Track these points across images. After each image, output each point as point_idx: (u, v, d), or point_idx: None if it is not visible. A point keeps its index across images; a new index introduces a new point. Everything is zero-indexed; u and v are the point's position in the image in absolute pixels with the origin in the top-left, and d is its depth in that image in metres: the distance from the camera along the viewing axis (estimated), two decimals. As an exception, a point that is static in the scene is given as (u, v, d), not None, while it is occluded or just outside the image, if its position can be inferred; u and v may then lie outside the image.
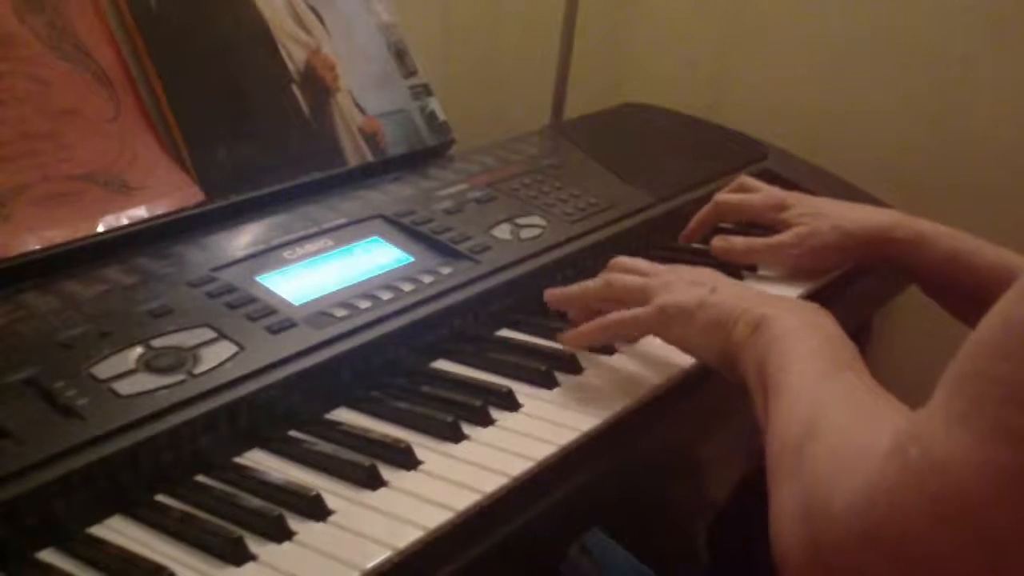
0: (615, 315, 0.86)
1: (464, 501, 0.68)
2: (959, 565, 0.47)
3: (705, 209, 1.12)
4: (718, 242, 1.07)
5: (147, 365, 0.74)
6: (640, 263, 0.91)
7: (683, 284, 0.84)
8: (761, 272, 1.08)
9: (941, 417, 0.48)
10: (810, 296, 1.05)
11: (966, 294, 0.94)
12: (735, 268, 1.06)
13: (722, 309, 0.80)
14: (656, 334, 0.86)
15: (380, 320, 0.85)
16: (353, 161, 1.11)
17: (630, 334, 0.87)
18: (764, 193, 1.11)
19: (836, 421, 0.59)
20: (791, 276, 1.06)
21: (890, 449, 0.50)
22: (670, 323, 0.83)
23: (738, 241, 1.07)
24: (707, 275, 0.87)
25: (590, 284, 0.91)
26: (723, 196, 1.12)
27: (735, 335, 0.77)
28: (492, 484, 0.70)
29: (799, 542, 0.54)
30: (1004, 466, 0.45)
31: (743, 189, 1.13)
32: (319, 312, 0.84)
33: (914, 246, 1.00)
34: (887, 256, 1.03)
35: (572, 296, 0.91)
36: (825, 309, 0.78)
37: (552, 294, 0.92)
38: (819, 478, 0.54)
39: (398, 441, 0.74)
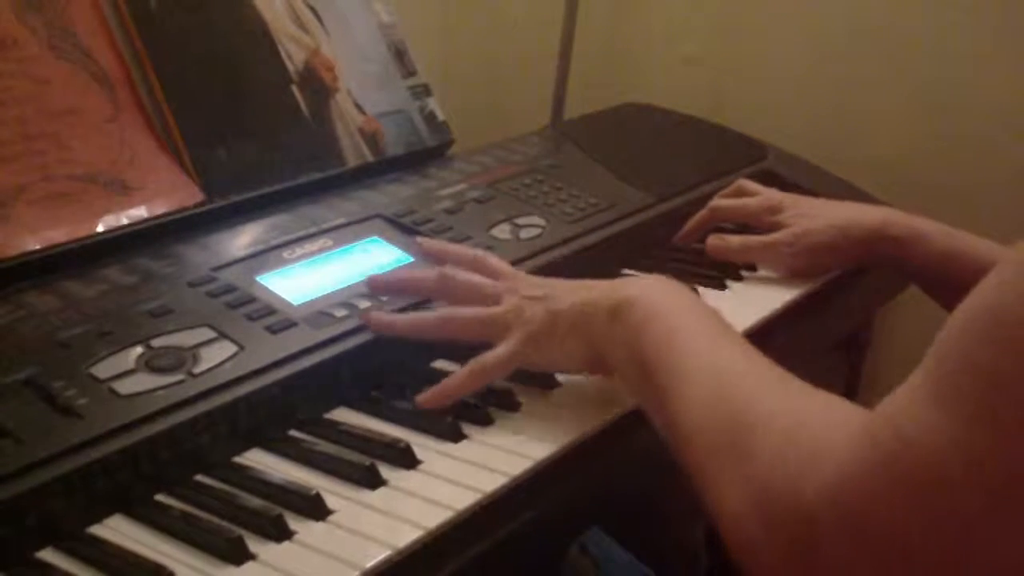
0: (481, 361, 0.79)
1: (464, 501, 0.68)
2: (933, 545, 0.47)
3: (701, 213, 1.12)
4: (714, 240, 1.07)
5: (147, 365, 0.74)
6: (477, 282, 0.84)
7: (529, 305, 0.80)
8: (761, 272, 1.08)
9: (918, 400, 0.48)
10: (811, 296, 1.05)
11: (961, 290, 0.93)
12: (734, 268, 1.06)
13: (574, 311, 0.78)
14: (523, 366, 0.81)
15: (380, 320, 0.85)
16: (352, 161, 1.11)
17: (502, 375, 0.81)
18: (760, 197, 1.12)
19: (772, 405, 0.58)
20: (788, 276, 1.06)
21: (861, 431, 0.50)
22: (535, 351, 0.79)
23: (734, 240, 1.07)
24: (538, 286, 0.83)
25: (426, 276, 0.87)
26: (719, 201, 1.13)
27: (595, 329, 0.76)
28: (492, 484, 0.70)
29: (763, 533, 0.53)
30: (983, 450, 0.45)
31: (740, 192, 1.13)
32: (319, 312, 0.84)
33: (908, 243, 1.00)
34: (883, 254, 1.03)
35: (400, 282, 0.88)
36: (664, 278, 0.78)
37: (375, 280, 0.88)
38: (778, 467, 0.54)
39: (398, 441, 0.74)
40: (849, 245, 1.04)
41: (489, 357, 0.79)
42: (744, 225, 1.13)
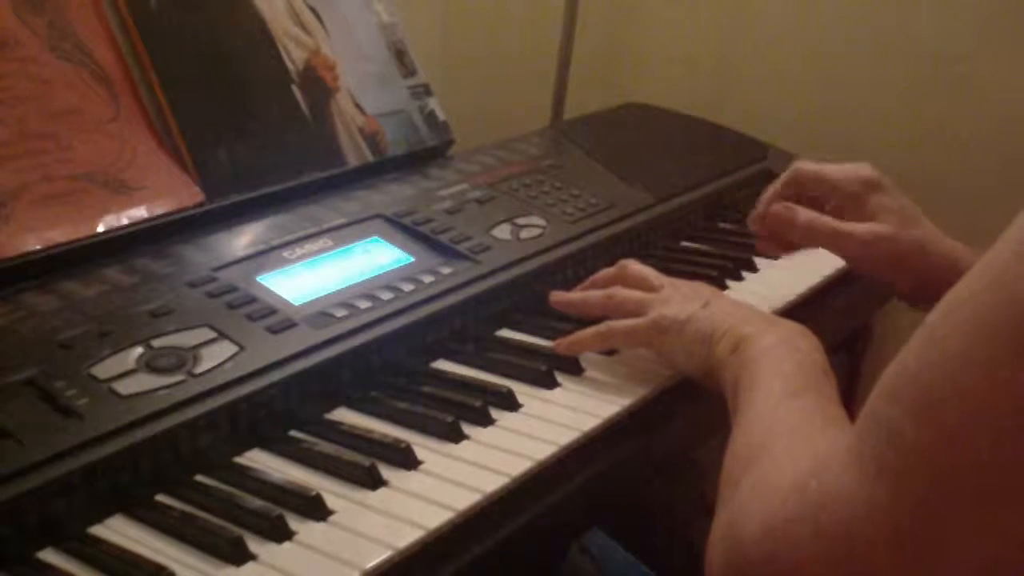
0: (611, 325, 0.87)
1: (464, 501, 0.68)
2: None
3: (782, 178, 0.95)
4: (778, 207, 0.92)
5: (147, 365, 0.74)
6: (647, 273, 0.91)
7: (679, 298, 0.85)
8: (761, 274, 1.07)
9: (844, 451, 0.49)
10: (811, 296, 1.05)
11: None
12: (734, 269, 1.06)
13: (709, 324, 0.81)
14: (648, 346, 0.86)
15: (380, 320, 0.85)
16: (353, 161, 1.11)
17: (624, 344, 0.88)
18: (850, 167, 0.94)
19: (775, 450, 0.60)
20: (797, 275, 1.05)
21: (797, 479, 0.51)
22: (662, 335, 0.84)
23: (801, 213, 0.91)
24: (704, 291, 0.87)
25: (592, 295, 0.91)
26: (802, 163, 0.95)
27: (717, 352, 0.78)
28: (492, 484, 0.70)
29: (718, 567, 0.55)
30: (881, 506, 0.46)
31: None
32: (319, 312, 0.84)
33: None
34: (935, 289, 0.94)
35: (573, 303, 0.92)
36: (810, 332, 0.77)
37: (556, 297, 0.93)
38: (742, 505, 0.56)
39: (398, 441, 0.74)
40: (922, 270, 0.89)
41: (618, 324, 0.86)
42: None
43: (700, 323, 0.81)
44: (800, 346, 0.74)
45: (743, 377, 0.72)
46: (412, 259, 0.95)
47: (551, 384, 0.84)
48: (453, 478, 0.71)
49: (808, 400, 0.66)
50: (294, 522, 0.66)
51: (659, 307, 0.85)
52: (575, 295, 0.93)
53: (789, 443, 0.60)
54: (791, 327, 0.78)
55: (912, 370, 0.47)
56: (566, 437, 0.76)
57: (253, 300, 0.83)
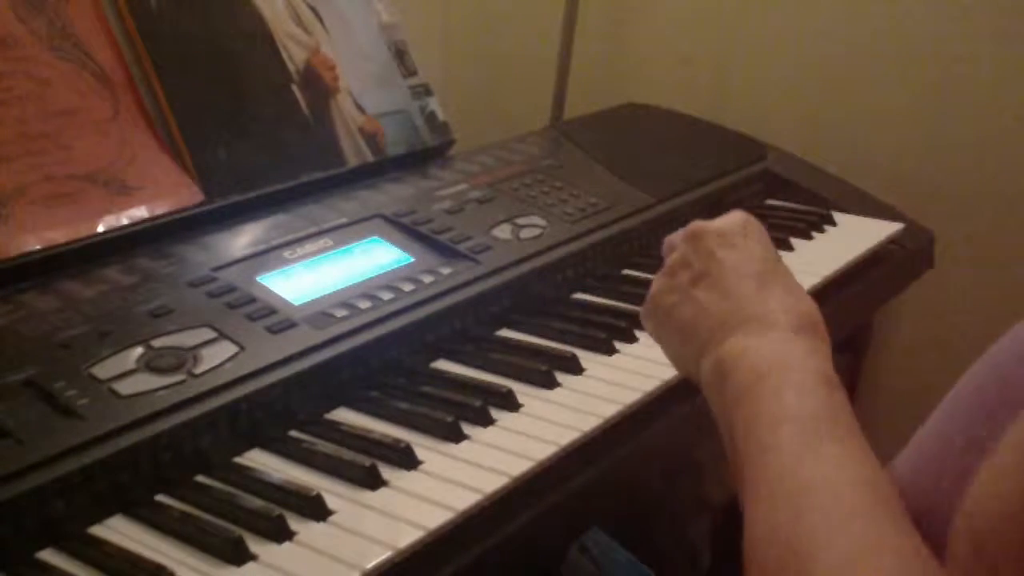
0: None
1: (464, 501, 0.68)
2: None
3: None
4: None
5: (147, 365, 0.74)
6: (670, 241, 0.78)
7: (679, 269, 0.72)
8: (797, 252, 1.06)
9: None
10: (810, 294, 1.05)
11: None
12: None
13: (689, 319, 0.69)
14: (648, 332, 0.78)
15: (380, 320, 0.85)
16: (353, 161, 1.11)
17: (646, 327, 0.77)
18: None
19: (824, 556, 0.49)
20: None
21: None
22: (648, 322, 0.75)
23: None
24: (704, 256, 0.72)
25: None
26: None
27: (702, 367, 0.67)
28: (492, 484, 0.70)
29: None
30: None
31: None
32: (319, 312, 0.84)
33: None
34: None
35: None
36: (811, 315, 0.67)
37: None
38: None
39: (398, 441, 0.74)
40: None
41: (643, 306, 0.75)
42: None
43: (682, 314, 0.70)
44: (797, 357, 0.62)
45: (737, 416, 0.61)
46: (412, 259, 0.95)
47: (551, 384, 0.84)
48: (453, 478, 0.71)
49: (829, 464, 0.55)
50: (294, 522, 0.66)
51: (656, 283, 0.74)
52: None
53: (841, 546, 0.49)
54: (787, 322, 0.66)
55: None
56: (566, 437, 0.76)
57: (253, 300, 0.83)
